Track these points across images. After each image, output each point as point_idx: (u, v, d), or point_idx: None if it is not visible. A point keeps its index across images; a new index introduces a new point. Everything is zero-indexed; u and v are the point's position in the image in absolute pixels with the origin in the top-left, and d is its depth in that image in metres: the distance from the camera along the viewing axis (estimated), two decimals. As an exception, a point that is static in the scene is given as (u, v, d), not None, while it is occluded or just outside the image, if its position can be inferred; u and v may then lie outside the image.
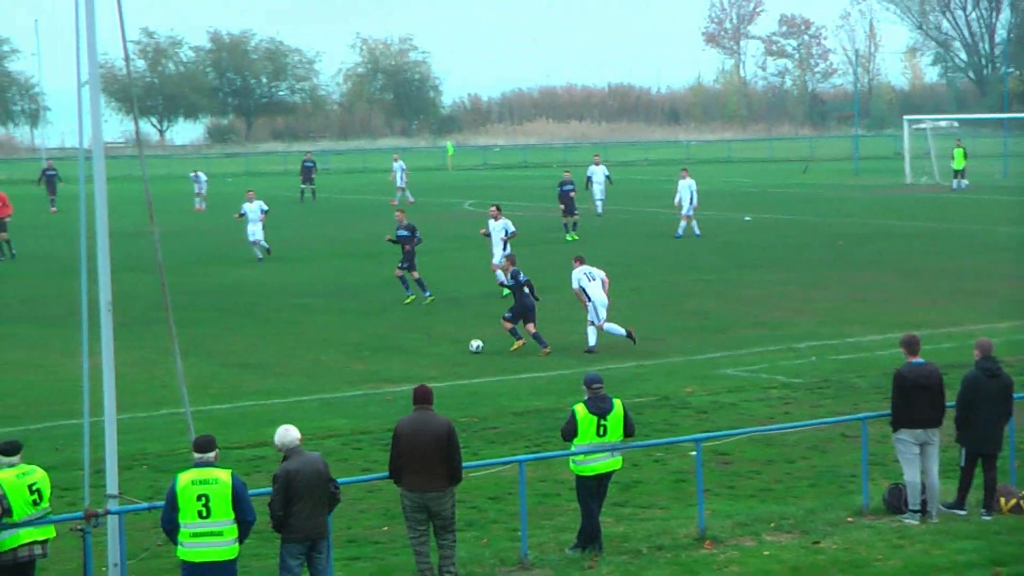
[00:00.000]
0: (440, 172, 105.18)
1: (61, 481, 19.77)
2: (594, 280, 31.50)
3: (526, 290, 31.51)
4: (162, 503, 15.01)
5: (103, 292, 15.87)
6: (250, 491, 14.96)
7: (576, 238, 53.95)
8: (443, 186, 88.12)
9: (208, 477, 14.56)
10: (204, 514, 14.46)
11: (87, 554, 15.52)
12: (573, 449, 17.67)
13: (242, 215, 48.14)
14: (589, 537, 17.58)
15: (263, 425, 24.38)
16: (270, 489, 15.53)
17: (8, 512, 14.64)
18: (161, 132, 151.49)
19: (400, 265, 38.98)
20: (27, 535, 14.77)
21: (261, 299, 39.82)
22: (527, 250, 48.76)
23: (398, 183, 74.61)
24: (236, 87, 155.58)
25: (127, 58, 17.23)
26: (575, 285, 31.62)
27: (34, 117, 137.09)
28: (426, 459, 16.25)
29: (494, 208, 41.48)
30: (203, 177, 73.21)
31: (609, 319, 31.58)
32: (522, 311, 31.53)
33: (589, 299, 31.34)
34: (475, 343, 30.84)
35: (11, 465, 14.88)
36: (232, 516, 14.58)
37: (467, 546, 17.63)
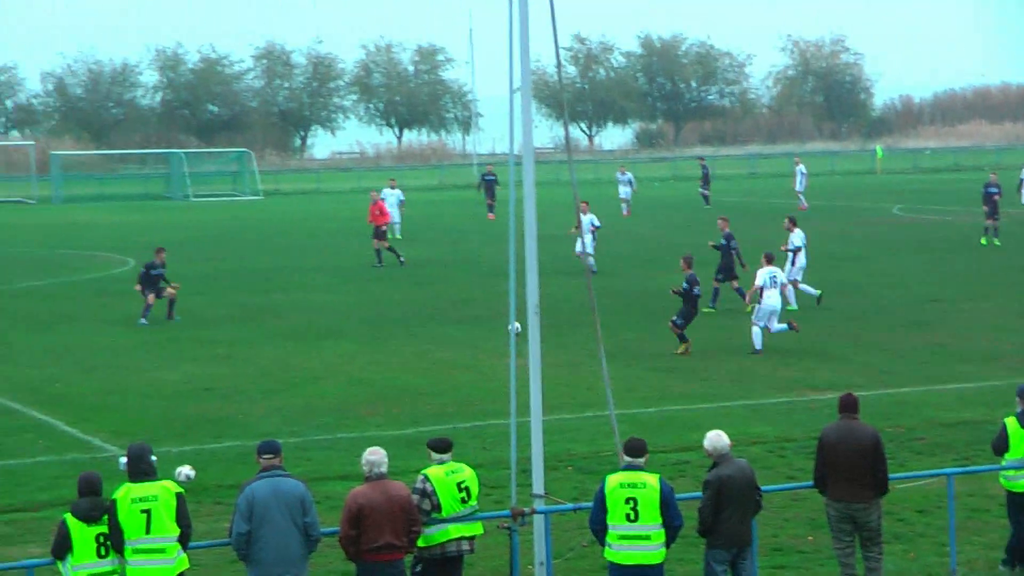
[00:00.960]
0: (869, 176, 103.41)
1: (489, 480, 20.28)
2: (774, 287, 32.58)
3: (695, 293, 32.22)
4: (587, 504, 15.21)
5: (531, 295, 16.20)
6: (676, 495, 15.02)
7: (996, 244, 52.14)
8: (872, 190, 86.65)
9: (637, 481, 14.70)
10: (632, 517, 14.60)
11: (514, 552, 15.86)
12: (1004, 464, 17.11)
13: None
14: (1021, 555, 17.01)
15: (688, 430, 24.47)
16: (695, 494, 15.55)
17: (437, 508, 15.09)
18: (590, 137, 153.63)
19: (716, 276, 38.86)
20: (455, 531, 15.19)
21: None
22: (942, 256, 47.57)
23: (797, 187, 73.36)
24: (666, 92, 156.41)
25: (559, 65, 17.53)
26: (759, 282, 32.64)
27: (466, 124, 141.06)
28: (852, 469, 16.01)
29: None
30: (629, 178, 72.81)
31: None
32: (688, 315, 32.28)
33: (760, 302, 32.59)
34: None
35: (442, 463, 15.32)
36: (659, 521, 14.66)
37: (894, 559, 17.30)
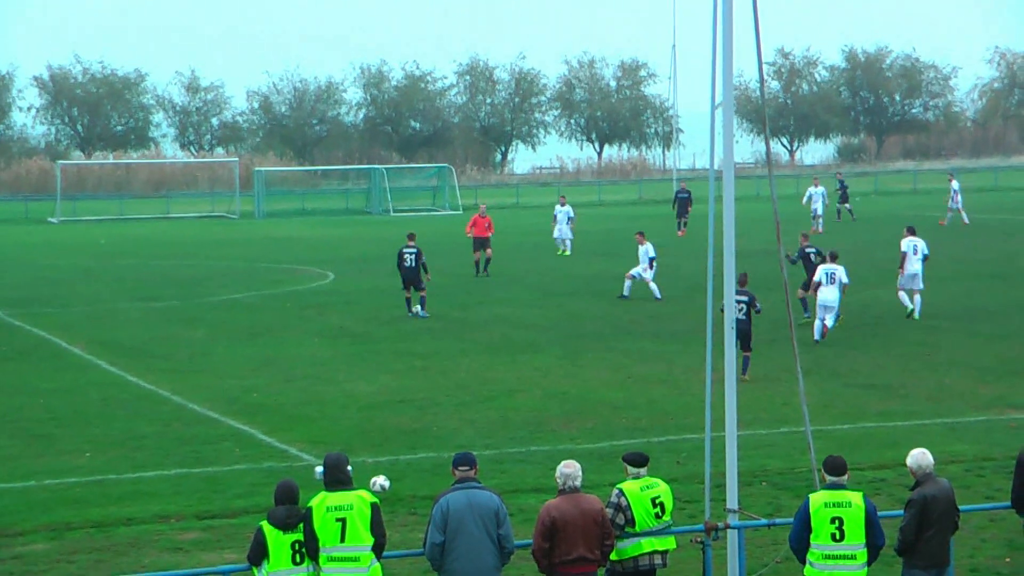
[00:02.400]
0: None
1: (683, 494, 20.18)
2: (832, 283, 35.14)
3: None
4: (782, 520, 15.06)
5: (728, 310, 16.14)
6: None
7: None
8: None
9: (842, 499, 14.55)
10: (837, 537, 14.46)
11: (707, 566, 15.78)
12: None
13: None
14: None
15: (885, 447, 24.16)
16: (894, 512, 15.32)
17: (632, 522, 15.06)
18: (791, 152, 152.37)
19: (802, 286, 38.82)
20: (648, 545, 15.15)
21: (888, 319, 39.35)
22: None
23: (951, 204, 72.10)
24: (869, 105, 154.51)
25: (762, 80, 17.41)
26: (816, 277, 35.57)
27: (667, 139, 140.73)
28: (1054, 489, 15.70)
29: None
30: (823, 192, 71.83)
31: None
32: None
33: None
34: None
35: (638, 477, 15.30)
36: (864, 540, 14.52)
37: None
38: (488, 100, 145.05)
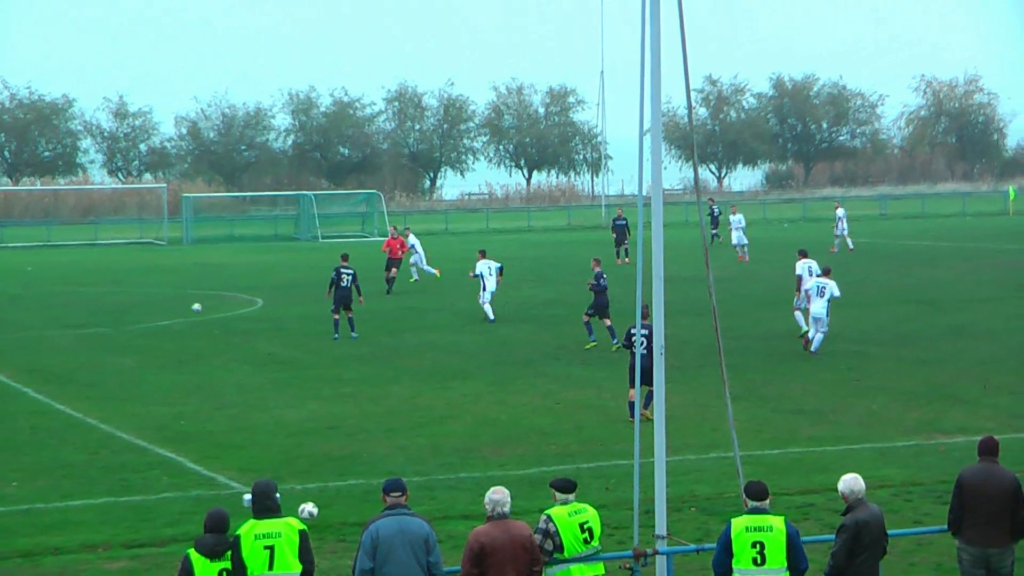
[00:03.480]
0: (1002, 217, 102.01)
1: (611, 520, 20.22)
2: (821, 297, 37.63)
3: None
4: (710, 546, 15.09)
5: (657, 335, 16.19)
6: (802, 538, 14.87)
7: None
8: (1004, 231, 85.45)
9: (763, 524, 14.59)
10: (759, 561, 14.47)
11: (636, 593, 15.78)
12: None
13: (476, 275, 47.41)
14: None
15: (814, 472, 24.28)
16: (822, 537, 15.37)
17: (560, 548, 15.04)
18: (719, 178, 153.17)
19: (587, 312, 40.89)
20: (577, 571, 15.12)
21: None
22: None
23: (837, 231, 73.34)
24: (797, 133, 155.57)
25: (690, 107, 17.45)
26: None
27: (596, 166, 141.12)
28: (991, 512, 15.80)
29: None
30: (740, 220, 72.17)
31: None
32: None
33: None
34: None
35: (566, 503, 15.29)
36: (785, 564, 14.53)
37: (1024, 606, 16.97)
38: (417, 126, 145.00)
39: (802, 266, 40.48)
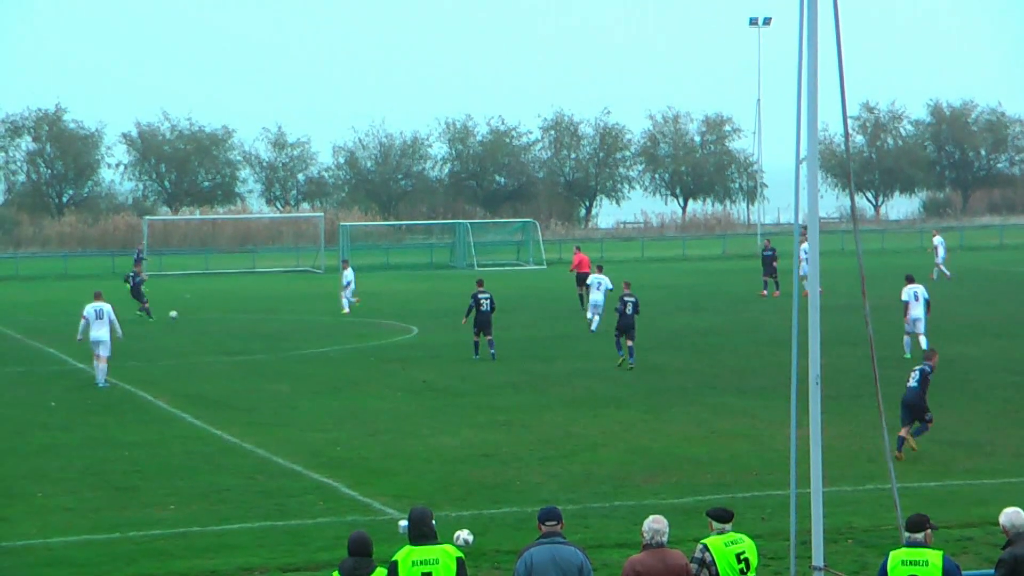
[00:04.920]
0: None
1: (768, 551, 20.03)
2: (917, 301, 41.69)
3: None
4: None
5: (813, 365, 16.03)
6: (964, 573, 14.63)
7: None
8: None
9: (919, 558, 14.40)
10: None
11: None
12: None
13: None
14: None
15: (972, 505, 23.87)
16: (982, 571, 15.12)
17: (715, 577, 14.94)
18: (876, 207, 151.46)
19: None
20: (736, 601, 15.01)
21: (975, 375, 38.98)
22: None
23: (937, 259, 73.00)
24: (954, 160, 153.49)
25: (847, 134, 17.30)
26: (905, 298, 42.00)
27: (751, 194, 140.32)
28: None
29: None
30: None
31: None
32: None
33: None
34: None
35: (722, 532, 15.19)
36: (941, 598, 14.33)
37: None
38: (572, 155, 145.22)
39: (908, 292, 42.42)
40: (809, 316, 15.90)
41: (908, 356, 41.35)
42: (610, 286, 50.74)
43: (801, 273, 68.91)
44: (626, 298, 42.74)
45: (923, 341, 41.54)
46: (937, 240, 74.17)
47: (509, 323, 54.21)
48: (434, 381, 40.18)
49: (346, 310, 61.45)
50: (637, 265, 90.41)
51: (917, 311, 42.09)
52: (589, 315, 51.54)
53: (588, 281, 53.00)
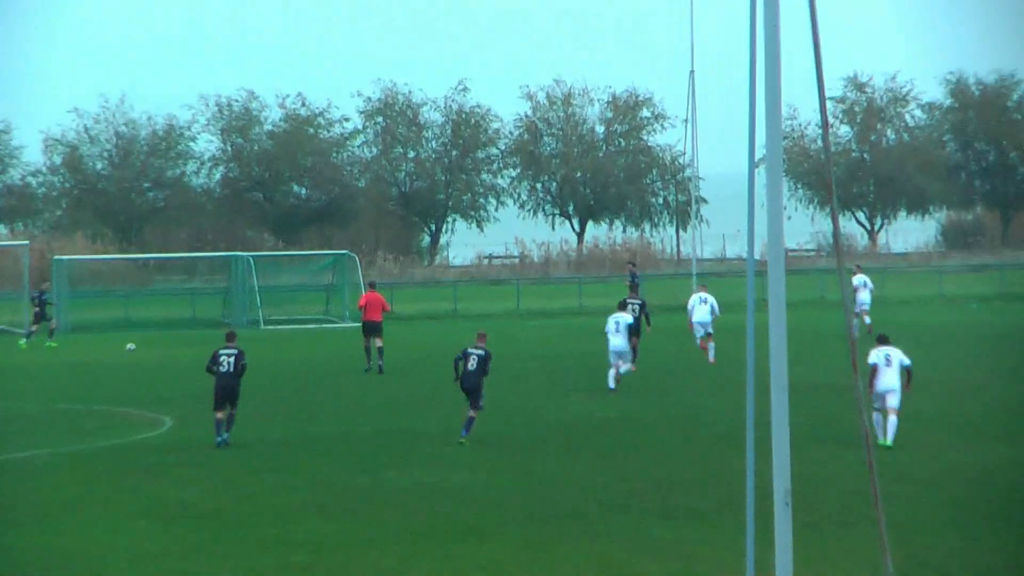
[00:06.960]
0: None
1: None
2: (889, 366, 43.88)
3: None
4: None
5: (779, 474, 16.11)
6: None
7: None
8: None
9: None
10: None
11: None
12: None
13: None
14: None
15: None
16: None
17: None
18: (872, 232, 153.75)
19: None
20: None
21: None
22: None
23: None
24: (988, 163, 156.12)
25: (825, 124, 17.29)
26: (872, 361, 44.07)
27: (683, 214, 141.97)
28: None
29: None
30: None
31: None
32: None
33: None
34: None
35: None
36: None
37: None
38: (411, 153, 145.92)
39: (878, 354, 44.89)
40: (772, 401, 15.83)
41: (887, 443, 43.28)
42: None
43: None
44: (472, 351, 45.14)
45: (893, 422, 44.00)
46: (858, 280, 76.36)
47: (316, 411, 54.00)
48: (195, 503, 39.78)
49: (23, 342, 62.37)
50: (508, 322, 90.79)
51: (889, 380, 44.11)
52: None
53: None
